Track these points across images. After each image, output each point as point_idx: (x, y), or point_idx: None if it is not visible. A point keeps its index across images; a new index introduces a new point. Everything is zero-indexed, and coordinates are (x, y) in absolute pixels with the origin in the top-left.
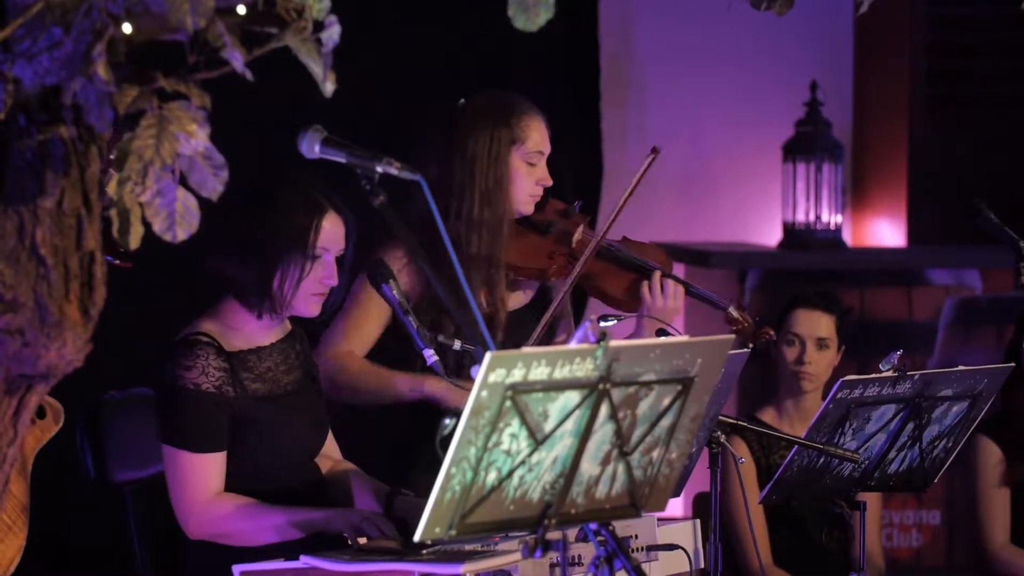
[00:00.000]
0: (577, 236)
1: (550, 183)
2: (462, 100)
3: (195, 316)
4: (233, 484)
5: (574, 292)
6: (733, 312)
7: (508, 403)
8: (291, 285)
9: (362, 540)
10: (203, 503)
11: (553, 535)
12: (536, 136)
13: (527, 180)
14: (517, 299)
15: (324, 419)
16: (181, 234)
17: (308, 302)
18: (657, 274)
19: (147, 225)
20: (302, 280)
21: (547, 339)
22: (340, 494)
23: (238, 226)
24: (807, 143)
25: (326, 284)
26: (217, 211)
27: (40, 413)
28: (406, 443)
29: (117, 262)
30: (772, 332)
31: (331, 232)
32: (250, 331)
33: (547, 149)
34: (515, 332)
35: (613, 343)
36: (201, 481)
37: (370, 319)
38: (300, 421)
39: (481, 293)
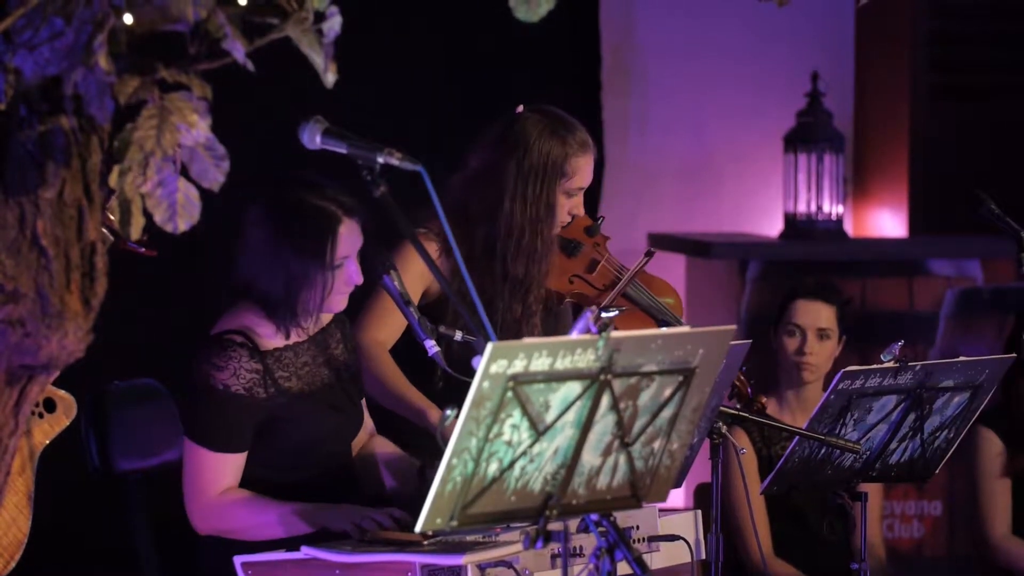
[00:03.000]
0: (602, 264)
1: (581, 213)
2: (521, 107)
3: (230, 308)
4: (263, 475)
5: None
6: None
7: (510, 394)
8: (316, 300)
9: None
10: (211, 499)
11: (554, 526)
12: (584, 172)
13: (562, 211)
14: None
15: (360, 407)
16: (182, 225)
17: (333, 303)
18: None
19: (148, 216)
20: (327, 294)
21: None
22: (368, 475)
23: (261, 240)
24: (808, 133)
25: (350, 285)
26: (236, 212)
27: (50, 407)
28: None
29: (143, 250)
30: (764, 401)
31: (347, 238)
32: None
33: (589, 183)
34: None
35: (614, 334)
36: (215, 479)
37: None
38: (336, 415)
39: (516, 313)
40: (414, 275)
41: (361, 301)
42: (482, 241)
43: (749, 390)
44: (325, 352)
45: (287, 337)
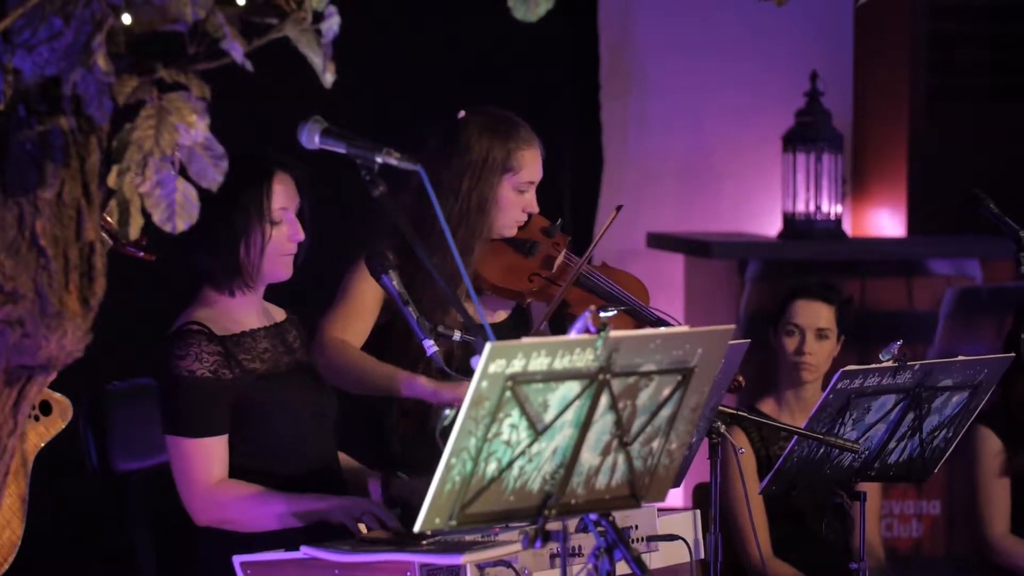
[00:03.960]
0: (559, 260)
1: (536, 210)
2: (462, 112)
3: (183, 309)
4: (237, 464)
5: (552, 317)
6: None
7: (508, 393)
8: (256, 253)
9: (362, 527)
10: (207, 488)
11: (553, 525)
12: (531, 167)
13: (514, 207)
14: (496, 316)
15: (327, 403)
16: (181, 225)
17: (278, 264)
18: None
19: (147, 215)
20: (267, 246)
21: None
22: (356, 488)
23: (201, 218)
24: (807, 133)
25: (294, 241)
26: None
27: (46, 409)
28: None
29: (142, 254)
30: (739, 379)
31: (283, 191)
32: (237, 315)
33: (538, 177)
34: None
35: (613, 333)
36: (203, 466)
37: (366, 310)
38: (302, 400)
39: (445, 309)
40: (369, 295)
41: (324, 300)
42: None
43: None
44: (284, 343)
45: (232, 295)
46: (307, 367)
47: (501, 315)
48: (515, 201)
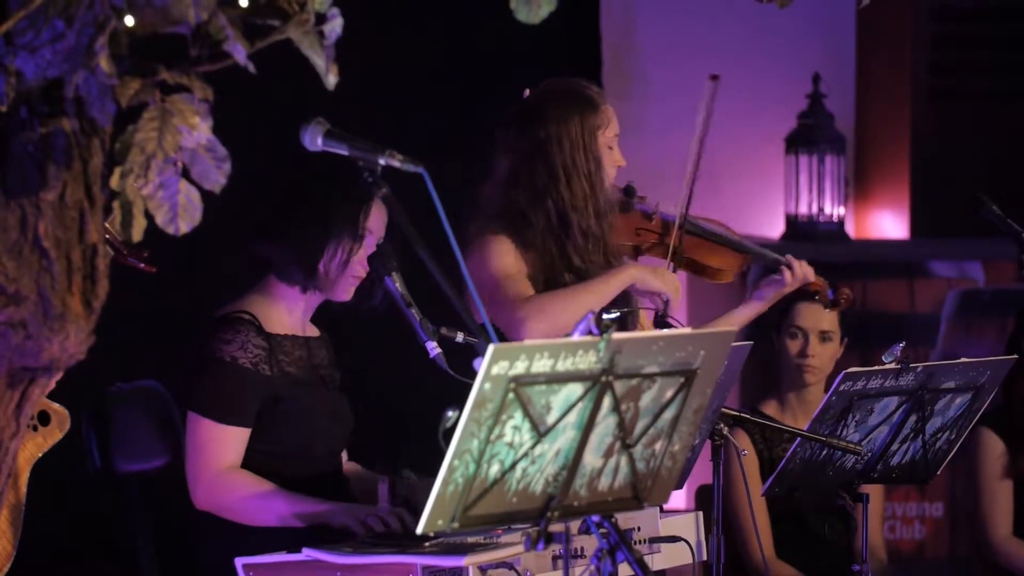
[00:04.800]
0: (655, 211)
1: (624, 164)
2: (527, 91)
3: (235, 297)
4: (258, 461)
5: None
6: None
7: (511, 395)
8: (339, 263)
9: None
10: (215, 473)
11: (556, 527)
12: (614, 121)
13: (609, 164)
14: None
15: (349, 414)
16: (184, 227)
17: (347, 284)
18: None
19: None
20: (349, 261)
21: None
22: (364, 496)
23: (287, 210)
24: (810, 135)
25: (364, 268)
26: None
27: (44, 419)
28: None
29: (142, 266)
30: (848, 292)
31: (378, 216)
32: (286, 317)
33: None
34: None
35: (616, 335)
36: (218, 451)
37: (515, 266)
38: (328, 412)
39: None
40: (513, 267)
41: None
42: (545, 224)
43: (830, 292)
44: (318, 356)
45: (304, 291)
46: (331, 384)
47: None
48: (607, 156)
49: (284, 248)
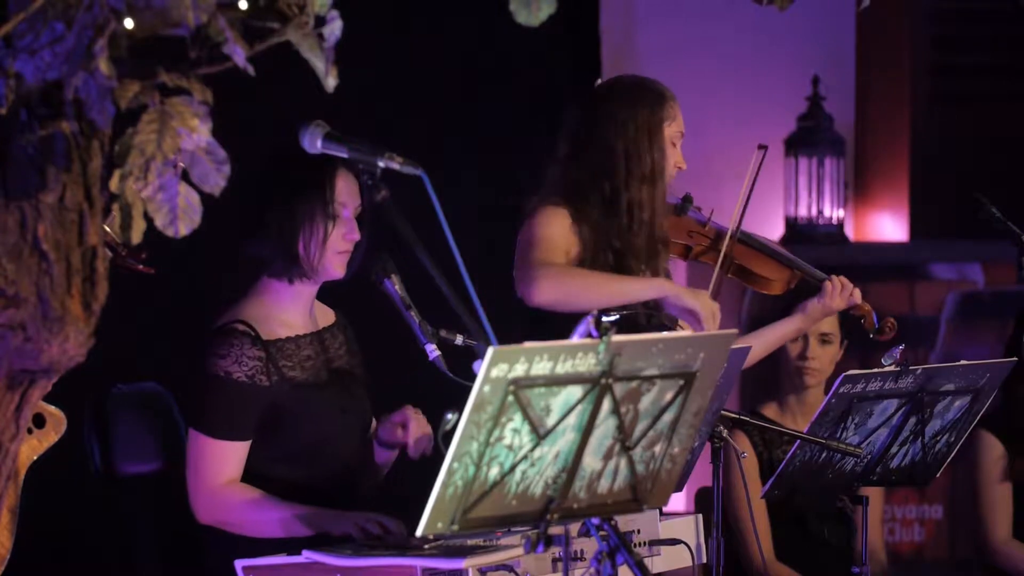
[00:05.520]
0: (709, 219)
1: (685, 167)
2: (599, 81)
3: (232, 303)
4: (265, 467)
5: (724, 272)
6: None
7: (510, 398)
8: (316, 245)
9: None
10: (214, 489)
11: (555, 530)
12: (680, 119)
13: (670, 160)
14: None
15: (367, 405)
16: (183, 229)
17: (334, 261)
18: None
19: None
20: (327, 239)
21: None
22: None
23: (258, 206)
24: (809, 137)
25: (349, 240)
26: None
27: (40, 422)
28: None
29: (141, 267)
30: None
31: (345, 188)
32: (287, 316)
33: (684, 130)
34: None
35: (615, 338)
36: (217, 467)
37: (560, 236)
38: (341, 415)
39: (647, 270)
40: (559, 237)
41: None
42: (599, 200)
43: (875, 318)
44: (327, 352)
45: (291, 283)
46: (349, 374)
47: None
48: (671, 153)
49: (263, 243)
